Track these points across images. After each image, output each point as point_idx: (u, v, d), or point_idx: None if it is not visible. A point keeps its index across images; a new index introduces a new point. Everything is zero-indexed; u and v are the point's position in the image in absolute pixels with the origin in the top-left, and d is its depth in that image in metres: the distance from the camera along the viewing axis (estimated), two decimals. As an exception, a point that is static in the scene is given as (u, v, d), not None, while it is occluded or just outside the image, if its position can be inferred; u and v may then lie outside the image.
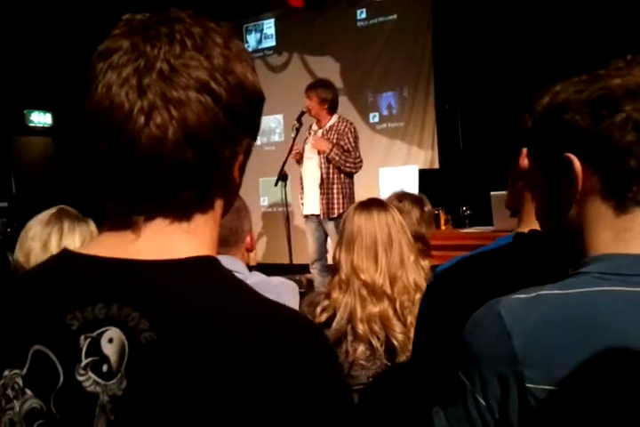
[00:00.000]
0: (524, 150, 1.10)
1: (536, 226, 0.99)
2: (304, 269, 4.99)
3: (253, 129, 0.69)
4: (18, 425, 0.60)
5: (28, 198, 6.07)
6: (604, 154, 0.73)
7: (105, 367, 0.59)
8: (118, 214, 0.65)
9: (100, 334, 0.60)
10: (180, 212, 0.65)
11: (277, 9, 6.57)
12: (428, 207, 2.29)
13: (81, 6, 5.70)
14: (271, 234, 6.63)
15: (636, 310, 0.70)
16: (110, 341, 0.59)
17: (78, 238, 1.79)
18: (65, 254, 0.66)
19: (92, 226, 1.87)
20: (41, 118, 7.02)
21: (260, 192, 6.76)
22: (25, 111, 6.87)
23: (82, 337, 0.60)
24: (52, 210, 1.85)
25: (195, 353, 0.58)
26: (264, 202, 6.82)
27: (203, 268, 0.64)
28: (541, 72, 4.25)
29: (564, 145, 0.76)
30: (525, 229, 1.06)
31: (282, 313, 0.65)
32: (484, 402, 0.75)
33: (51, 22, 5.96)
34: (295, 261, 4.87)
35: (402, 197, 2.29)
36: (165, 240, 0.64)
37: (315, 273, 4.68)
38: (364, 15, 6.19)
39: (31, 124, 6.98)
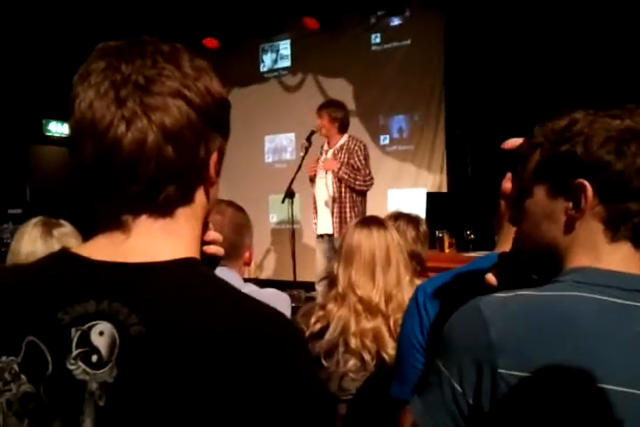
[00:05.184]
0: (509, 174, 1.14)
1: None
2: (307, 286, 5.01)
3: (223, 129, 0.76)
4: (14, 406, 0.66)
5: (42, 206, 6.15)
6: (615, 190, 0.81)
7: (95, 358, 0.64)
8: (108, 215, 0.71)
9: (90, 328, 0.65)
10: (164, 210, 0.71)
11: (293, 30, 6.69)
12: (423, 227, 2.31)
13: (100, 19, 5.83)
14: (278, 251, 6.69)
15: (603, 316, 0.78)
16: (101, 333, 0.65)
17: (74, 242, 1.85)
18: (62, 254, 0.72)
19: (68, 225, 1.92)
20: (58, 128, 7.12)
21: (269, 209, 6.84)
22: (43, 121, 6.99)
23: (73, 330, 0.65)
24: (36, 228, 1.87)
25: (179, 346, 0.64)
26: (273, 219, 6.88)
27: (185, 269, 0.70)
28: (552, 100, 4.31)
29: (579, 171, 0.82)
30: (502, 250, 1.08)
31: (259, 308, 0.71)
32: (459, 388, 0.80)
33: (70, 34, 6.08)
34: (299, 279, 4.89)
35: (397, 216, 2.32)
36: (151, 241, 0.70)
37: (320, 290, 4.71)
38: (378, 40, 6.29)
39: (48, 134, 7.08)
